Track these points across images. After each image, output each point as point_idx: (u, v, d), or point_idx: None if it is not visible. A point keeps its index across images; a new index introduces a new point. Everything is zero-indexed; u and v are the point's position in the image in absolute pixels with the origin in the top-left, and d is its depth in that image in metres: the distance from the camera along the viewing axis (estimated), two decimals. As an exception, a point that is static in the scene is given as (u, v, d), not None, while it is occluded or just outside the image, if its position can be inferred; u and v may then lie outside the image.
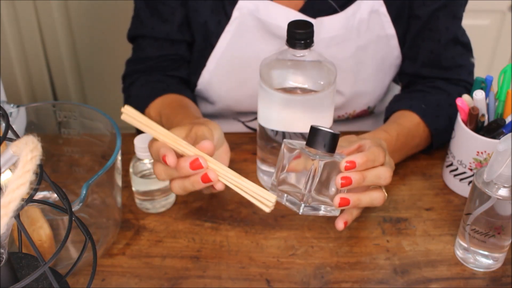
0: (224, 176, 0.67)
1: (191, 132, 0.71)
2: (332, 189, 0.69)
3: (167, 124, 0.85)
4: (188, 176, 0.67)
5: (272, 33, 0.92)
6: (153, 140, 0.70)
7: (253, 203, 0.66)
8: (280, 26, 0.90)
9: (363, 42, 0.93)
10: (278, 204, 0.83)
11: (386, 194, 0.71)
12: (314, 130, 0.67)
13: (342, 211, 0.72)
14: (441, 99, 0.91)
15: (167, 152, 0.66)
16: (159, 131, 0.69)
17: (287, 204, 0.70)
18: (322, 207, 0.70)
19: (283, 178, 0.70)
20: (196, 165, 0.65)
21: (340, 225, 0.71)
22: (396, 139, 0.83)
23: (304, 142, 0.69)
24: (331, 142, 0.67)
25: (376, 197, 0.70)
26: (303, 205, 0.68)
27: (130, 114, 0.70)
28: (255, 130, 1.02)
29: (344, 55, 0.93)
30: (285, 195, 0.70)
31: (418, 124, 0.88)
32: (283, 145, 0.69)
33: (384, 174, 0.69)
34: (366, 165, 0.67)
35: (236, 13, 0.91)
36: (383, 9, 0.91)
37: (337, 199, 0.67)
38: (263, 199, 0.65)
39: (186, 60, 0.99)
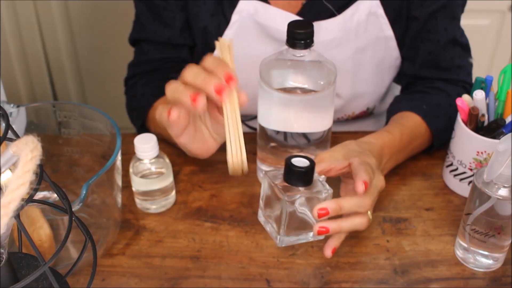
0: (230, 119, 0.68)
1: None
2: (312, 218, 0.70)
3: None
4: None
5: (271, 36, 0.92)
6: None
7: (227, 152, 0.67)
8: (279, 29, 0.90)
9: (361, 44, 0.93)
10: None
11: (371, 217, 0.71)
12: (288, 166, 0.68)
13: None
14: (440, 100, 0.91)
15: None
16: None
17: (269, 232, 0.73)
18: (305, 235, 0.71)
19: (267, 203, 0.72)
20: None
21: (328, 253, 0.71)
22: (399, 140, 0.84)
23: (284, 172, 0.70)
24: (305, 178, 0.68)
25: (358, 222, 0.69)
26: (279, 238, 0.70)
27: (225, 45, 0.70)
28: (255, 129, 1.02)
29: (343, 57, 0.93)
30: (269, 222, 0.72)
31: (420, 124, 0.88)
32: (264, 176, 0.71)
33: (363, 202, 0.69)
34: (337, 212, 0.67)
35: (235, 16, 0.91)
36: (380, 11, 0.91)
37: (316, 228, 0.68)
38: (237, 157, 0.67)
39: (188, 63, 0.99)
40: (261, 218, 0.74)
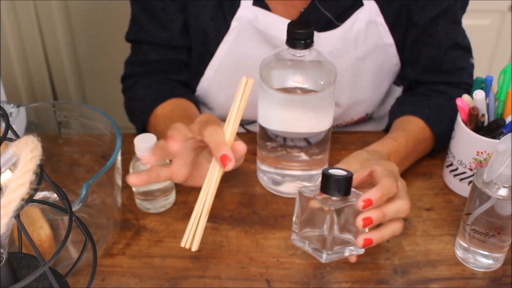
0: (205, 187, 0.68)
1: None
2: (353, 229, 0.68)
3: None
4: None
5: (270, 43, 0.91)
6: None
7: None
8: (278, 36, 0.90)
9: (361, 54, 0.92)
10: (278, 203, 0.83)
11: (403, 222, 0.70)
12: (326, 176, 0.66)
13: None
14: (443, 103, 0.91)
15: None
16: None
17: (310, 251, 0.70)
18: (346, 249, 0.70)
19: (303, 223, 0.70)
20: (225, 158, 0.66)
21: (353, 258, 0.71)
22: (405, 147, 0.83)
23: (319, 186, 0.68)
24: (345, 187, 0.67)
25: (396, 229, 0.69)
26: (325, 254, 0.68)
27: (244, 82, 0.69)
28: (254, 133, 1.02)
29: (342, 68, 0.92)
30: (307, 242, 0.70)
31: (423, 129, 0.88)
32: (297, 193, 0.69)
33: (403, 207, 0.68)
34: (382, 200, 0.66)
35: (235, 23, 0.91)
36: (380, 19, 0.90)
37: (360, 240, 0.67)
38: (189, 237, 0.67)
39: (187, 64, 0.99)
40: (296, 241, 0.71)
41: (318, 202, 0.67)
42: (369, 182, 0.72)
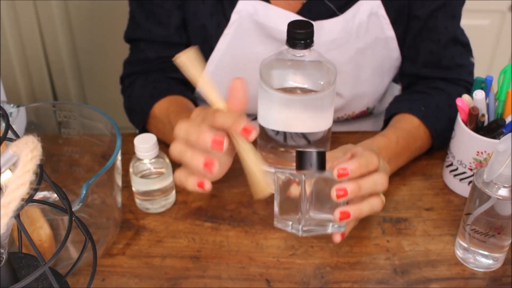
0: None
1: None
2: (332, 205, 0.67)
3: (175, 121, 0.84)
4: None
5: (271, 36, 0.92)
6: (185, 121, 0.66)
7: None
8: (279, 29, 0.90)
9: (362, 45, 0.93)
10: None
11: (384, 198, 0.70)
12: (298, 153, 0.66)
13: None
14: (441, 100, 0.91)
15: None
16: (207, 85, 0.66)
17: (293, 231, 0.69)
18: (328, 226, 0.68)
19: (283, 207, 0.69)
20: (218, 143, 0.63)
21: (337, 238, 0.69)
22: (396, 143, 0.83)
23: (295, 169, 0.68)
24: (318, 161, 0.66)
25: (375, 204, 0.68)
26: (301, 226, 0.67)
27: (188, 59, 0.65)
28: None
29: (344, 58, 0.93)
30: (290, 223, 0.69)
31: (418, 126, 0.88)
32: (275, 176, 0.69)
33: (380, 180, 0.67)
34: (360, 171, 0.65)
35: (234, 16, 0.91)
36: (382, 11, 0.91)
37: (337, 213, 0.65)
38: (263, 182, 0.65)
39: None
40: (278, 224, 0.70)
41: (294, 176, 0.66)
42: None
